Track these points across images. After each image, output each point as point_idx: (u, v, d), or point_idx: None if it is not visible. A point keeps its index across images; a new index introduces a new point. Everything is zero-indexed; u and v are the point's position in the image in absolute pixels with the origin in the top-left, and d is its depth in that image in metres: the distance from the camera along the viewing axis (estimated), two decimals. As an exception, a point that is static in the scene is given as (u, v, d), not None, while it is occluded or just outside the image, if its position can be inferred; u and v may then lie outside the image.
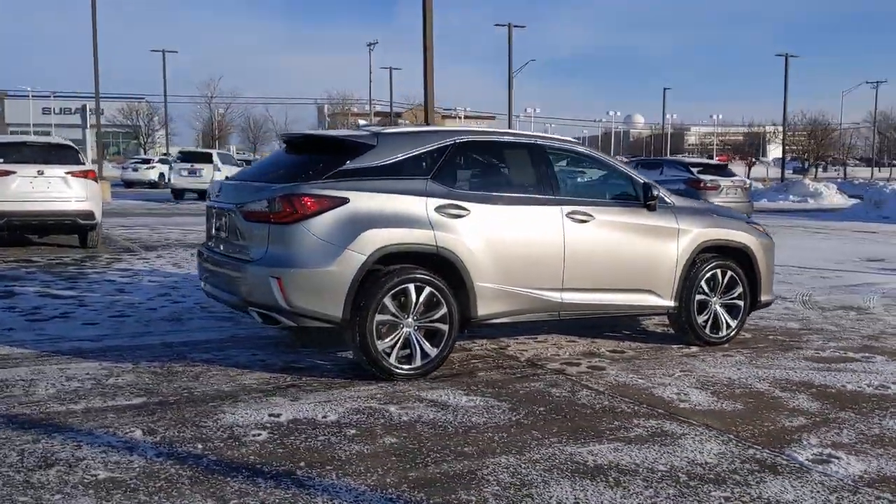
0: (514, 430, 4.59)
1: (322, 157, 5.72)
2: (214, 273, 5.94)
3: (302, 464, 4.02)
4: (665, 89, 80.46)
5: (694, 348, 6.85)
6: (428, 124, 16.38)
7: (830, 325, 8.05)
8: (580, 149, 6.88)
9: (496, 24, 51.44)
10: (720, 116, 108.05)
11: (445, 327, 5.61)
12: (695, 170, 19.59)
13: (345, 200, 5.34)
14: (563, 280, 6.15)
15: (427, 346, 5.58)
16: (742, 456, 4.28)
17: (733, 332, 7.03)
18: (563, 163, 7.23)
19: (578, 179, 6.47)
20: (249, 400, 5.04)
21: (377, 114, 79.97)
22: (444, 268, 5.61)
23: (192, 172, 28.80)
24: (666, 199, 6.74)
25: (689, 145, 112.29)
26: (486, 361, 6.20)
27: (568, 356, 6.51)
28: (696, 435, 4.59)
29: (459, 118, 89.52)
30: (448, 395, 5.26)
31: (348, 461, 4.06)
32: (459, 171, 5.91)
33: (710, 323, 6.92)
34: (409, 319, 5.50)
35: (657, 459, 4.19)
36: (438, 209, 5.61)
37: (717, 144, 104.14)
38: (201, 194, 25.99)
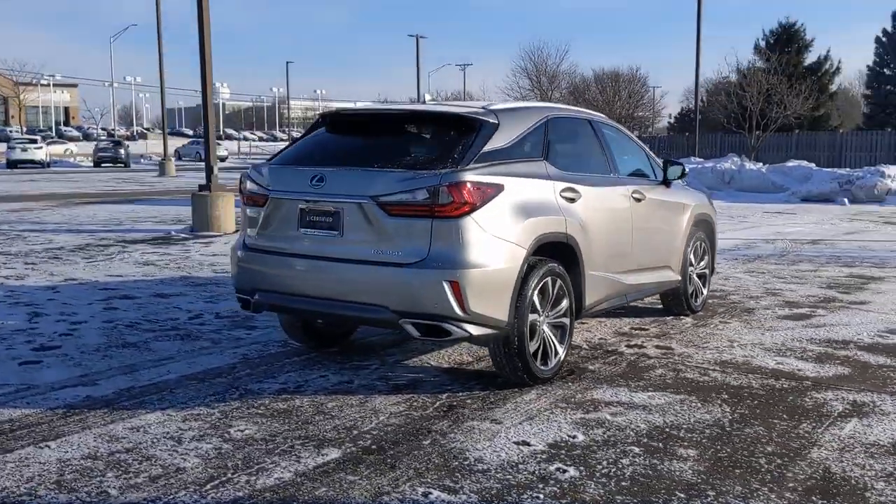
0: (753, 420, 4.50)
1: (447, 138, 4.94)
2: (321, 280, 4.87)
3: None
4: (288, 63, 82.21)
5: (686, 319, 7.19)
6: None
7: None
8: (613, 123, 6.78)
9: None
10: (323, 91, 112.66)
11: (567, 321, 5.28)
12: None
13: (501, 188, 4.73)
14: (631, 262, 6.11)
15: (557, 344, 5.20)
16: None
17: (705, 298, 7.53)
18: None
19: (621, 157, 6.40)
20: (458, 431, 4.29)
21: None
22: (566, 257, 5.25)
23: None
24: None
25: (292, 118, 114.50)
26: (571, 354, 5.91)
27: (617, 338, 6.46)
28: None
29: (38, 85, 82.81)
30: (625, 394, 4.98)
31: (712, 474, 3.69)
32: (556, 150, 5.52)
33: (695, 292, 7.32)
34: (543, 316, 5.08)
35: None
36: (562, 193, 5.23)
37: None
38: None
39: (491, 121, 5.01)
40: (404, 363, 5.61)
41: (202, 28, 12.79)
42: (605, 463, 3.86)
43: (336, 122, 5.51)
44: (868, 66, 48.67)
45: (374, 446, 4.04)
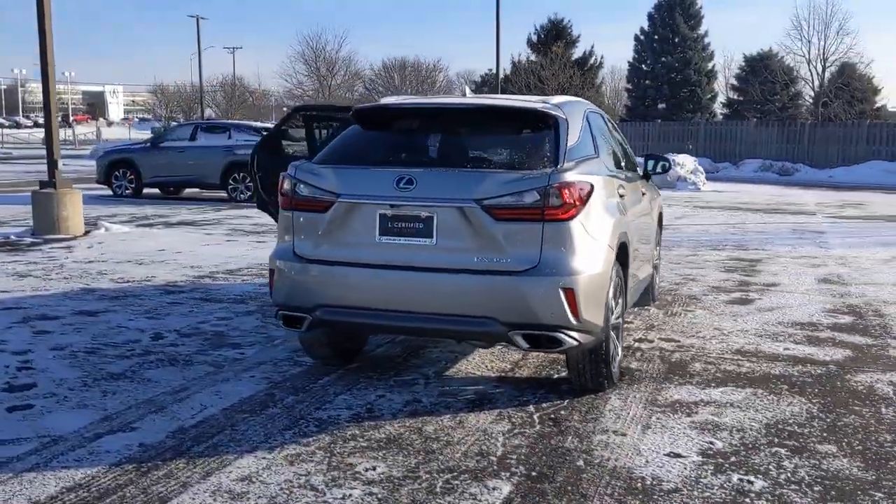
0: (838, 408, 4.66)
1: (527, 135, 4.65)
2: (411, 293, 4.39)
3: None
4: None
5: (652, 309, 7.40)
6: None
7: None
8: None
9: None
10: (73, 74, 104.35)
11: (622, 322, 5.22)
12: (269, 134, 19.15)
13: (592, 187, 4.52)
14: (643, 258, 6.15)
15: (619, 345, 5.12)
16: None
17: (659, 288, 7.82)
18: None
19: (624, 151, 6.38)
20: (594, 446, 4.06)
21: None
22: (621, 256, 5.17)
23: None
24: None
25: (33, 103, 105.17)
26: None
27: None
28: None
29: None
30: (698, 392, 4.98)
31: None
32: (599, 146, 5.38)
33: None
34: (613, 318, 4.98)
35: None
36: (618, 190, 5.14)
37: (71, 103, 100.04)
38: None
39: (563, 116, 4.78)
40: (447, 375, 5.25)
41: None
42: (774, 469, 3.82)
43: (386, 117, 5.00)
44: (629, 61, 52.81)
45: (534, 473, 3.73)
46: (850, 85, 41.05)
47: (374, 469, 3.76)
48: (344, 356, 5.33)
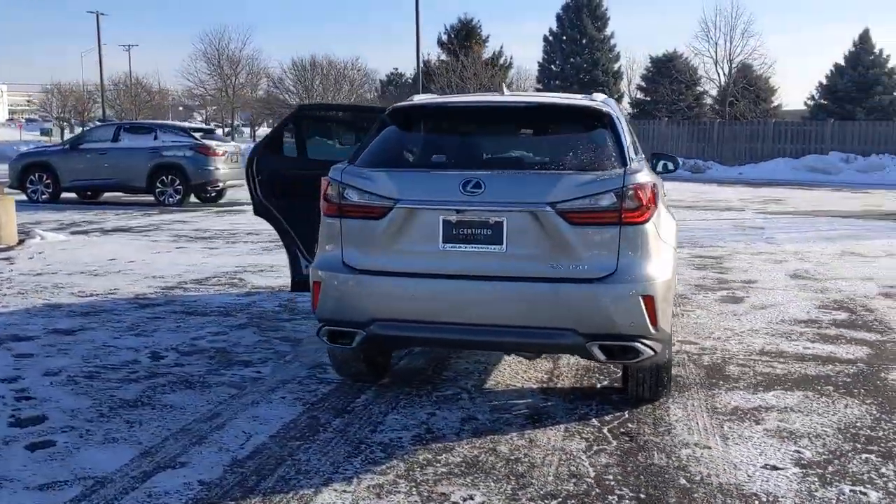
0: (892, 409, 4.63)
1: (584, 134, 4.40)
2: (481, 304, 4.09)
3: None
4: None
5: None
6: None
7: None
8: None
9: None
10: None
11: None
12: (198, 135, 18.38)
13: (657, 188, 4.34)
14: None
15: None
16: None
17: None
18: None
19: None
20: (686, 462, 3.88)
21: None
22: None
23: None
24: None
25: None
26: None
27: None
28: None
29: None
30: (752, 397, 4.87)
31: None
32: (637, 145, 5.20)
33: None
34: None
35: None
36: (664, 190, 4.99)
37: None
38: None
39: (616, 114, 4.58)
40: (487, 388, 4.99)
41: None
42: (877, 477, 3.73)
43: (431, 117, 4.69)
44: (539, 62, 53.42)
45: (642, 495, 3.52)
46: (755, 85, 42.63)
47: (472, 498, 3.46)
48: (376, 372, 4.99)
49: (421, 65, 40.83)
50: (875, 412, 4.57)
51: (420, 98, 4.97)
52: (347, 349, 4.61)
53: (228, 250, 10.71)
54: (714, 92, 47.10)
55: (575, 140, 4.38)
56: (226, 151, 18.27)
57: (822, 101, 44.57)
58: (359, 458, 3.88)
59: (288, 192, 6.01)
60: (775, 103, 48.34)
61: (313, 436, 4.16)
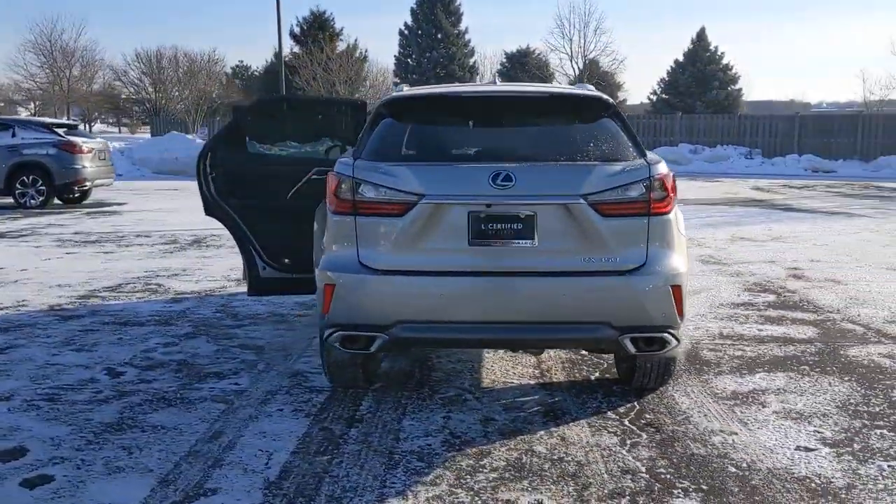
0: None
1: (594, 124, 4.34)
2: (513, 301, 3.97)
3: None
4: None
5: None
6: None
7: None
8: None
9: None
10: None
11: None
12: (61, 130, 17.09)
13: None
14: None
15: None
16: None
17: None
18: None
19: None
20: (720, 447, 3.92)
21: None
22: None
23: None
24: None
25: None
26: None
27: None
28: None
29: None
30: (754, 382, 5.00)
31: None
32: None
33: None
34: None
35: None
36: None
37: None
38: None
39: (614, 104, 4.58)
40: (487, 387, 4.89)
41: None
42: (902, 449, 3.89)
43: (434, 107, 4.51)
44: (395, 56, 53.38)
45: (705, 486, 3.53)
46: (603, 80, 44.39)
47: (540, 503, 3.34)
48: (368, 378, 4.77)
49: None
50: (859, 389, 4.80)
51: (411, 90, 4.77)
52: (347, 355, 4.38)
53: (126, 254, 9.99)
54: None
55: (589, 130, 4.32)
56: (92, 148, 17.09)
57: (665, 95, 47.03)
58: (399, 470, 3.67)
59: (246, 189, 5.64)
60: (621, 98, 50.56)
61: (337, 449, 3.91)
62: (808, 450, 3.89)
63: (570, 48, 45.83)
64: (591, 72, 45.66)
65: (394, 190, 3.98)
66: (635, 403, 4.55)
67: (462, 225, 3.94)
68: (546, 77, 47.97)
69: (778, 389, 4.80)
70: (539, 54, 48.66)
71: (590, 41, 45.06)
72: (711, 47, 46.35)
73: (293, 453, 3.85)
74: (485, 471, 3.66)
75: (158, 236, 11.66)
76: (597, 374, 5.08)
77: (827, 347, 5.70)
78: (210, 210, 5.71)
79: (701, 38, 46.21)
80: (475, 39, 69.06)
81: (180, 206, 15.87)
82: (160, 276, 8.43)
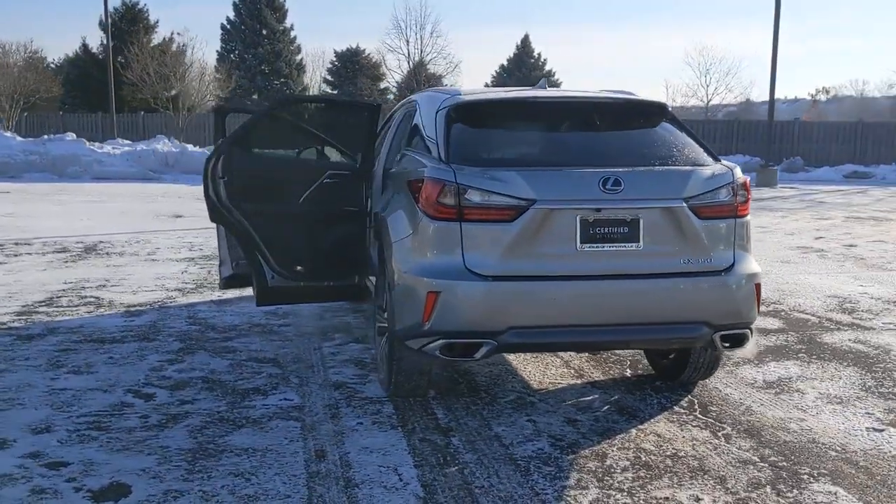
0: None
1: (666, 130, 4.52)
2: (618, 303, 4.05)
3: None
4: None
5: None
6: None
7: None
8: None
9: None
10: None
11: None
12: None
13: None
14: None
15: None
16: None
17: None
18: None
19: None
20: (808, 434, 4.23)
21: None
22: None
23: None
24: None
25: None
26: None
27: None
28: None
29: None
30: (772, 370, 5.37)
31: None
32: None
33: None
34: None
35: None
36: None
37: None
38: None
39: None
40: (540, 390, 4.96)
41: None
42: (951, 424, 4.37)
43: (508, 111, 4.53)
44: (217, 51, 51.46)
45: (823, 470, 3.79)
46: (432, 83, 45.13)
47: (698, 500, 3.48)
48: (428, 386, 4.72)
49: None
50: (866, 372, 5.29)
51: (476, 95, 4.73)
52: (418, 364, 4.36)
53: (23, 264, 9.10)
54: (395, 88, 49.13)
55: (662, 135, 4.50)
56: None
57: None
58: (537, 476, 3.68)
59: (261, 194, 5.37)
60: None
61: (455, 459, 3.85)
62: (877, 430, 4.27)
63: (408, 49, 46.22)
64: (421, 73, 46.27)
65: (503, 195, 3.96)
66: (689, 397, 4.77)
67: (571, 229, 3.99)
68: (378, 76, 48.12)
69: (800, 377, 5.19)
70: (369, 54, 48.70)
71: (426, 43, 45.66)
72: (535, 53, 48.38)
73: (416, 466, 3.75)
74: (618, 471, 3.73)
75: (41, 244, 10.70)
76: (629, 371, 5.27)
77: (805, 336, 6.23)
78: (218, 216, 5.37)
79: (525, 45, 48.12)
80: (301, 37, 67.85)
81: (29, 210, 14.63)
82: (87, 288, 7.77)
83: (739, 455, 3.91)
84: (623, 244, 4.05)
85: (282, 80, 50.60)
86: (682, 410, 4.55)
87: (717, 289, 4.17)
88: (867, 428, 4.29)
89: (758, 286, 4.29)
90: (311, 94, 45.90)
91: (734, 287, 4.20)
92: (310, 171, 5.52)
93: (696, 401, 4.71)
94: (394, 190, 4.68)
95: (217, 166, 5.28)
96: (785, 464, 3.82)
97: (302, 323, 6.50)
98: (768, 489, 3.56)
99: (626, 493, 3.50)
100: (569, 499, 3.45)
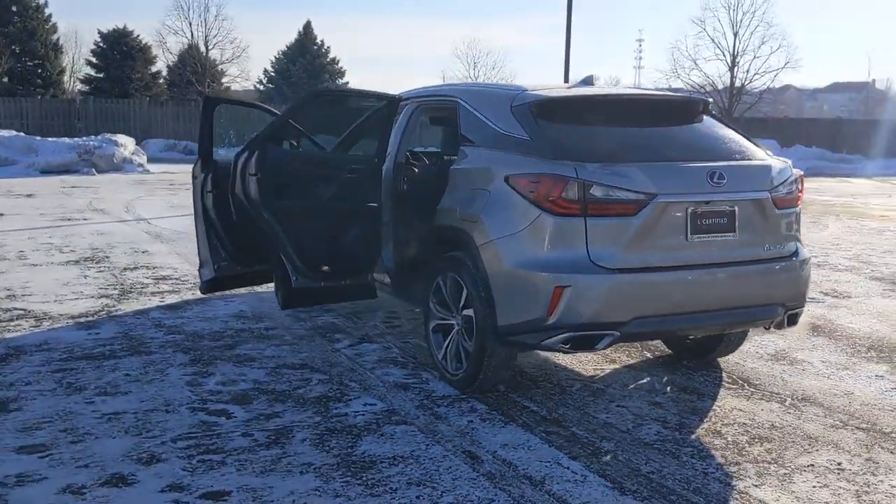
0: None
1: (718, 125, 4.89)
2: (716, 290, 4.34)
3: None
4: None
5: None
6: None
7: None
8: None
9: None
10: None
11: None
12: None
13: None
14: None
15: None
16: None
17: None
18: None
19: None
20: (867, 411, 4.80)
21: None
22: None
23: None
24: None
25: None
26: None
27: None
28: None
29: None
30: (779, 346, 5.97)
31: None
32: None
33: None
34: None
35: None
36: None
37: None
38: None
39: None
40: (595, 376, 5.19)
41: None
42: (947, 381, 5.15)
43: (591, 108, 4.69)
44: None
45: (891, 430, 4.36)
46: (208, 67, 43.29)
47: (838, 463, 3.88)
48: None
49: None
50: (847, 341, 6.02)
51: (554, 93, 4.82)
52: (506, 358, 4.55)
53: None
54: (166, 72, 46.58)
55: (725, 131, 4.85)
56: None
57: (272, 85, 47.44)
58: (686, 458, 3.90)
59: (293, 192, 5.11)
60: (225, 84, 49.71)
61: (599, 449, 3.98)
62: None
63: (192, 31, 43.82)
64: (199, 59, 44.18)
65: (627, 190, 4.11)
66: (722, 374, 5.20)
67: (682, 221, 4.24)
68: (150, 60, 45.32)
69: (799, 348, 5.79)
70: (138, 35, 45.57)
71: (210, 27, 43.56)
72: (318, 41, 47.85)
73: (574, 458, 3.85)
74: (744, 445, 4.05)
75: None
76: (649, 354, 5.63)
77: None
78: (244, 215, 5.04)
79: (307, 31, 47.44)
80: (58, 14, 61.67)
81: None
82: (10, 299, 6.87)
83: (827, 422, 4.37)
84: (722, 234, 4.37)
85: (37, 61, 46.13)
86: (733, 385, 4.95)
87: (789, 272, 4.61)
88: (894, 388, 4.94)
89: (809, 270, 4.79)
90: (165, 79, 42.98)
91: (803, 271, 4.66)
92: (339, 167, 5.32)
93: (736, 375, 5.13)
94: (470, 186, 4.65)
95: (249, 163, 4.94)
96: (865, 426, 4.32)
97: (285, 324, 6.22)
98: (877, 447, 4.02)
99: (777, 464, 3.82)
100: (734, 474, 3.70)
